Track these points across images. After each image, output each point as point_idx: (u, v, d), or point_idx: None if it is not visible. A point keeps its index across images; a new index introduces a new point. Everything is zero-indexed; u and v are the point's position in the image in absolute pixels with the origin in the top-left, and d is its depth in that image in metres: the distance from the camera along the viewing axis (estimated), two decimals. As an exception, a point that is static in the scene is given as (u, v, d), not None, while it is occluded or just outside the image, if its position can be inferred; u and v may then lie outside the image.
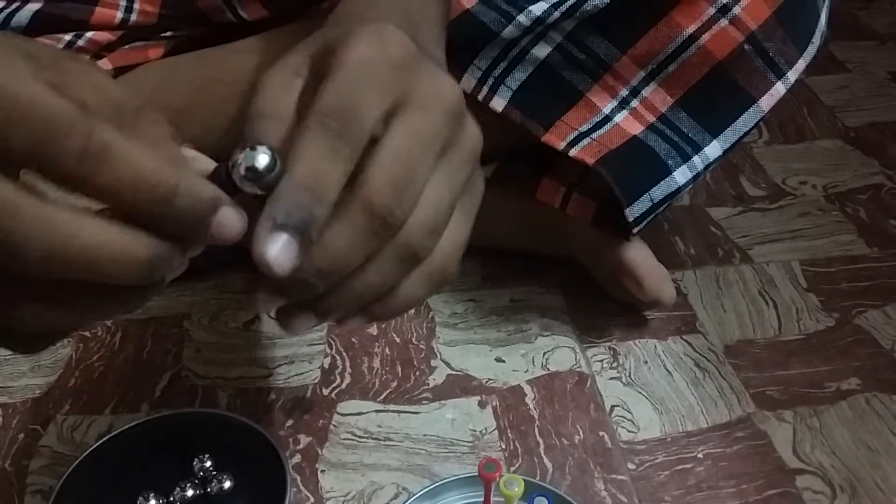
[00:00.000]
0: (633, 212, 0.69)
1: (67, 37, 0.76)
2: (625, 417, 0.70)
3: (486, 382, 0.73)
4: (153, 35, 0.81)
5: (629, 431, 0.69)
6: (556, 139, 0.69)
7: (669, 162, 0.69)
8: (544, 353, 0.76)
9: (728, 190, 0.97)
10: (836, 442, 0.67)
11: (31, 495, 0.64)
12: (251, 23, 0.85)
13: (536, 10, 0.65)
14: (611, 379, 0.73)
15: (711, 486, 0.64)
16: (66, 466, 0.61)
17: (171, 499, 0.60)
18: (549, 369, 0.74)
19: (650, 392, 0.72)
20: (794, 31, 0.68)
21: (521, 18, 0.66)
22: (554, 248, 0.81)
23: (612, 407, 0.71)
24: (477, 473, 0.55)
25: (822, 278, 0.85)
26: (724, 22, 0.66)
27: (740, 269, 0.86)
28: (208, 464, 0.61)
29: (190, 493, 0.60)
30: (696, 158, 0.70)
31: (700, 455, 0.66)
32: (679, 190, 0.70)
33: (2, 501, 0.63)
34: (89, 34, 0.77)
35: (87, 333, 0.78)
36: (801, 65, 0.69)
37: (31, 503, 0.63)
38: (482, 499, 0.58)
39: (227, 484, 0.60)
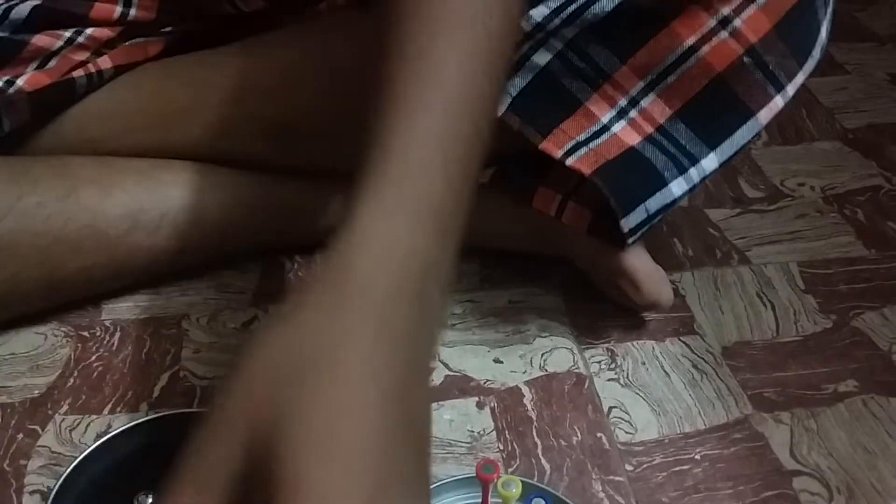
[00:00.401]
0: (628, 222, 0.70)
1: (67, 33, 0.76)
2: (622, 419, 0.70)
3: (485, 383, 0.73)
4: (152, 31, 0.81)
5: (627, 433, 0.69)
6: (554, 147, 0.69)
7: (666, 174, 0.69)
8: (542, 354, 0.76)
9: (726, 191, 0.98)
10: (833, 444, 0.68)
11: (28, 495, 0.64)
12: (249, 16, 0.85)
13: (537, 15, 0.65)
14: (609, 380, 0.74)
15: (709, 488, 0.64)
16: (64, 466, 0.62)
17: (169, 499, 0.60)
18: (547, 370, 0.74)
19: (648, 393, 0.72)
20: (795, 45, 0.68)
21: (522, 23, 0.66)
22: (552, 249, 0.81)
23: (610, 408, 0.71)
24: (475, 474, 0.55)
25: (820, 280, 0.85)
26: (724, 34, 0.65)
27: (738, 270, 0.86)
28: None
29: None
30: (692, 171, 0.70)
31: (697, 456, 0.67)
32: (675, 201, 0.70)
33: (0, 501, 0.63)
34: (89, 30, 0.77)
35: (86, 333, 0.78)
36: (799, 78, 0.69)
37: (28, 503, 0.63)
38: (480, 500, 0.58)
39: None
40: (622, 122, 0.69)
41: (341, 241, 0.44)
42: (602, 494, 0.64)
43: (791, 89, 0.69)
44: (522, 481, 0.54)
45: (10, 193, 0.72)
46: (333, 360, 0.39)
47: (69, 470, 0.61)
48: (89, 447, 0.62)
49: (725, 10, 0.65)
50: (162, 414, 0.66)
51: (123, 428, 0.64)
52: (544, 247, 0.82)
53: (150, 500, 0.59)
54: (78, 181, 0.75)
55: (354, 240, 0.44)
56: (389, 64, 0.51)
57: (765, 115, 0.69)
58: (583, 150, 0.68)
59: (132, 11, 0.78)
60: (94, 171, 0.77)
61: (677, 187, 0.70)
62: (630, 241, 0.71)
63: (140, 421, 0.65)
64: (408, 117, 0.49)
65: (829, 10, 0.70)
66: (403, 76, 0.50)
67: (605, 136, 0.69)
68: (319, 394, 0.38)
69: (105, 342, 0.77)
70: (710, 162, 0.70)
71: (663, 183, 0.69)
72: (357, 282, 0.43)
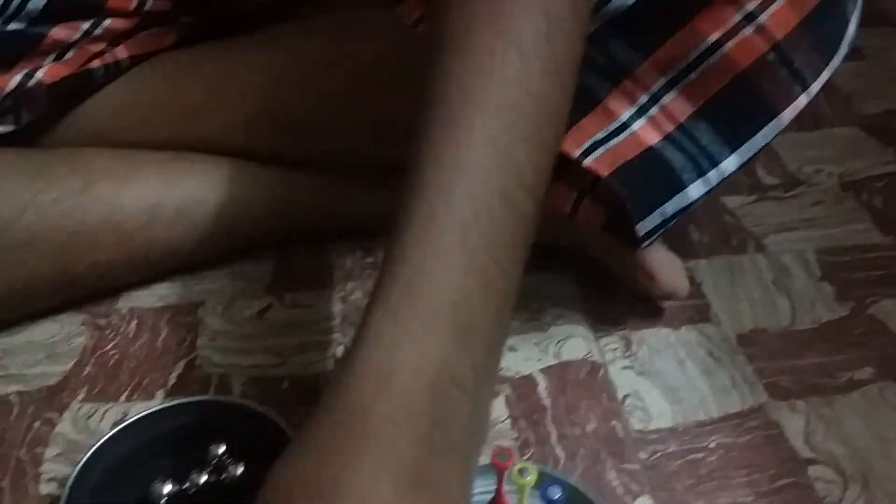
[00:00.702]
0: (643, 226, 0.68)
1: (85, 25, 0.76)
2: (637, 407, 0.70)
3: (499, 371, 0.73)
4: (168, 21, 0.81)
5: (641, 421, 0.69)
6: (572, 146, 0.67)
7: (685, 176, 0.68)
8: (557, 342, 0.76)
9: (742, 178, 0.97)
10: (849, 432, 0.67)
11: (46, 483, 0.64)
12: (266, 6, 0.85)
13: None
14: (623, 368, 0.73)
15: (723, 476, 0.64)
16: (81, 454, 0.62)
17: (185, 486, 0.60)
18: (561, 358, 0.74)
19: (663, 381, 0.72)
20: (822, 41, 0.66)
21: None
22: (567, 238, 0.81)
23: (625, 396, 0.71)
24: (489, 462, 0.55)
25: (837, 267, 0.84)
26: (749, 30, 0.63)
27: (754, 257, 0.86)
28: (221, 451, 0.61)
29: (203, 479, 0.60)
30: (711, 173, 0.68)
31: (712, 445, 0.66)
32: (691, 205, 0.69)
33: (17, 490, 0.64)
34: (107, 22, 0.77)
35: (103, 321, 0.78)
36: (825, 76, 0.67)
37: (46, 491, 0.64)
38: (494, 488, 0.58)
39: (240, 471, 0.60)
40: (642, 120, 0.67)
41: (346, 363, 0.44)
42: (616, 482, 0.64)
43: (816, 87, 0.67)
44: (538, 468, 0.54)
45: (27, 189, 0.73)
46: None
47: (86, 458, 0.61)
48: (106, 435, 0.63)
49: (750, 6, 0.63)
50: (178, 402, 0.67)
51: (140, 415, 0.65)
52: (559, 236, 0.81)
53: (167, 488, 0.59)
54: (94, 175, 0.76)
55: (356, 363, 0.44)
56: (415, 146, 0.49)
57: (788, 114, 0.67)
58: (600, 150, 0.67)
59: (149, 2, 0.78)
60: (110, 165, 0.77)
61: (695, 190, 0.68)
62: (645, 244, 0.70)
63: (157, 408, 0.66)
64: (426, 208, 0.47)
65: (859, 3, 0.68)
66: (427, 160, 0.48)
67: (623, 135, 0.67)
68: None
69: (121, 330, 0.78)
70: (729, 164, 0.68)
71: (681, 186, 0.68)
72: (357, 413, 0.42)
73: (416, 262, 0.46)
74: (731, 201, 0.94)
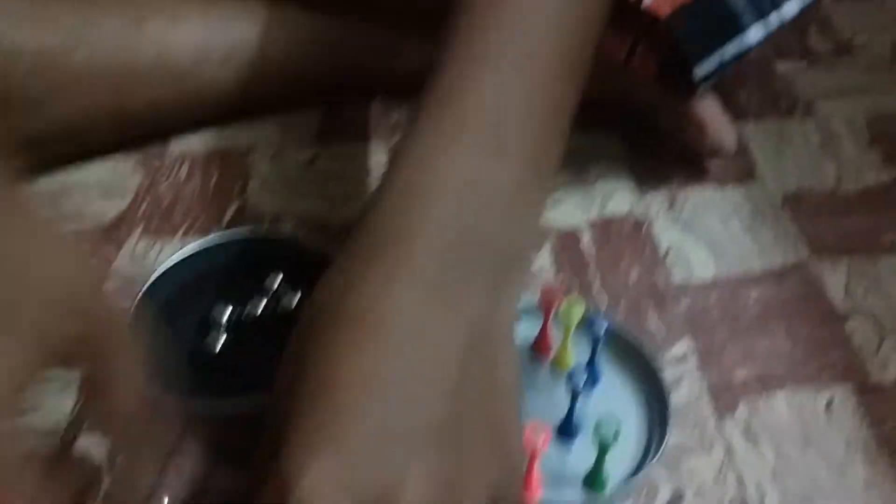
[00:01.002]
0: (700, 70, 0.68)
1: None
2: (679, 260, 0.71)
3: (545, 208, 0.73)
4: None
5: (683, 273, 0.70)
6: None
7: (744, 18, 0.67)
8: (602, 198, 0.76)
9: (794, 43, 0.95)
10: (889, 289, 0.68)
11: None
12: None
13: None
14: (667, 223, 0.74)
15: (762, 326, 0.65)
16: (138, 287, 0.64)
17: (243, 312, 0.62)
18: (605, 213, 0.75)
19: (706, 236, 0.73)
20: None
21: None
22: (616, 90, 0.80)
23: (667, 250, 0.72)
24: (535, 302, 0.56)
25: (886, 134, 0.83)
26: None
27: (803, 121, 0.85)
28: (278, 281, 0.63)
29: (261, 307, 0.62)
30: (772, 15, 0.68)
31: (753, 296, 0.67)
32: (750, 49, 0.68)
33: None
34: None
35: (156, 163, 0.80)
36: None
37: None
38: (537, 330, 0.59)
39: (296, 300, 0.62)
40: None
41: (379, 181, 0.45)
42: (657, 328, 0.65)
43: None
44: (584, 306, 0.55)
45: (80, 23, 0.73)
46: (365, 318, 0.40)
47: (145, 287, 0.63)
48: (164, 264, 0.64)
49: None
50: (234, 235, 0.68)
51: (198, 246, 0.66)
52: (607, 90, 0.81)
53: (227, 314, 0.61)
54: (144, 12, 0.76)
55: (385, 180, 0.45)
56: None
57: None
58: None
59: None
60: (160, 2, 0.77)
61: (755, 33, 0.68)
62: (699, 89, 0.70)
63: (213, 240, 0.67)
64: (468, 23, 0.48)
65: None
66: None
67: None
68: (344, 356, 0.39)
69: (174, 172, 0.79)
70: (790, 7, 0.67)
71: (741, 28, 0.67)
72: (380, 229, 0.44)
73: (452, 75, 0.47)
74: (782, 65, 0.92)
